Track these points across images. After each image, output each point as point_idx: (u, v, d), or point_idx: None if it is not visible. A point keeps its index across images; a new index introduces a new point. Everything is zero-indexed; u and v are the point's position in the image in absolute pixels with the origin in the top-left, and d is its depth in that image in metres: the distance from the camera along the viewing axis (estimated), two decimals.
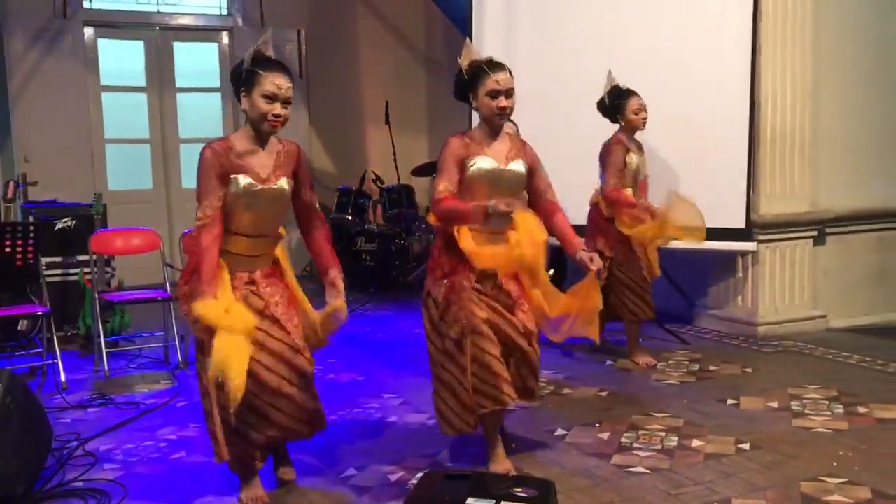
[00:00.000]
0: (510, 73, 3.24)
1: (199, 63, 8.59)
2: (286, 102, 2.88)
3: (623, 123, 4.77)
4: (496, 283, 3.22)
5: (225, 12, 8.61)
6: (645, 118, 4.74)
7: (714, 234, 5.28)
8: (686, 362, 4.85)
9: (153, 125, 8.37)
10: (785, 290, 5.54)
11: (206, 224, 2.85)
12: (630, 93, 4.74)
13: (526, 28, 6.03)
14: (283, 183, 2.97)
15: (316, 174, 8.84)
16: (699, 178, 5.24)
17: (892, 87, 5.95)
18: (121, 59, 8.25)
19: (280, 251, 3.13)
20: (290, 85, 2.90)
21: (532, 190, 3.37)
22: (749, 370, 4.66)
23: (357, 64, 9.00)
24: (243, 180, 2.88)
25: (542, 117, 5.64)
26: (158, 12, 8.31)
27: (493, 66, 3.22)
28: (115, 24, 8.17)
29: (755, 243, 5.36)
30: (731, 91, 5.25)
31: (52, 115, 7.55)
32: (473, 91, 3.23)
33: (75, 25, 7.80)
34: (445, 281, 3.19)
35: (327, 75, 8.88)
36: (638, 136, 4.85)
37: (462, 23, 7.09)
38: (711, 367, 4.73)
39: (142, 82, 8.31)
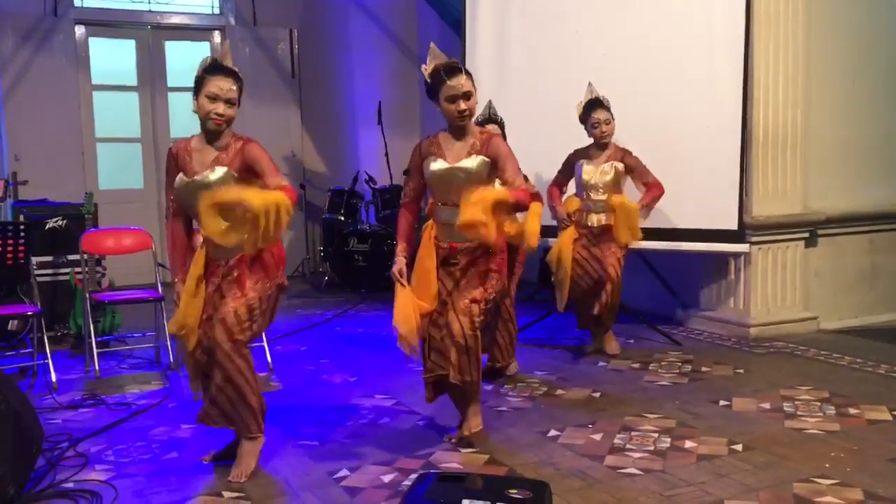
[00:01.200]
0: (468, 74, 3.37)
1: (190, 62, 8.47)
2: (229, 102, 3.16)
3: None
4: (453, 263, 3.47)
5: (217, 11, 8.59)
6: (604, 132, 4.82)
7: (706, 235, 5.31)
8: (678, 363, 4.86)
9: (144, 124, 8.35)
10: (777, 292, 5.56)
11: (168, 215, 3.35)
12: (592, 106, 4.82)
13: (518, 30, 6.03)
14: (213, 175, 3.17)
15: (308, 174, 8.84)
16: (691, 180, 5.26)
17: (883, 89, 5.99)
18: (112, 58, 8.23)
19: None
20: (232, 87, 3.17)
21: (502, 179, 3.44)
22: (741, 371, 4.68)
23: (349, 64, 8.98)
24: (186, 176, 3.23)
25: (533, 119, 5.65)
26: (150, 11, 8.29)
27: (450, 71, 3.34)
28: (107, 23, 8.14)
29: (747, 245, 5.37)
30: (723, 93, 5.26)
31: (42, 113, 7.53)
32: (435, 98, 3.40)
33: (66, 24, 7.77)
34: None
35: (319, 75, 8.87)
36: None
37: (455, 25, 7.10)
38: (704, 369, 4.74)
39: (133, 81, 8.29)
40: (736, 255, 5.47)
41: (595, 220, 4.91)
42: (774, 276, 5.55)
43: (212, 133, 3.22)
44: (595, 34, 5.62)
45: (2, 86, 7.41)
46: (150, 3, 8.30)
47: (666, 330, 5.52)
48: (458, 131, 3.43)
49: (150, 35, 8.30)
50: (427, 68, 3.40)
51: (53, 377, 4.57)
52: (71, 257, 5.58)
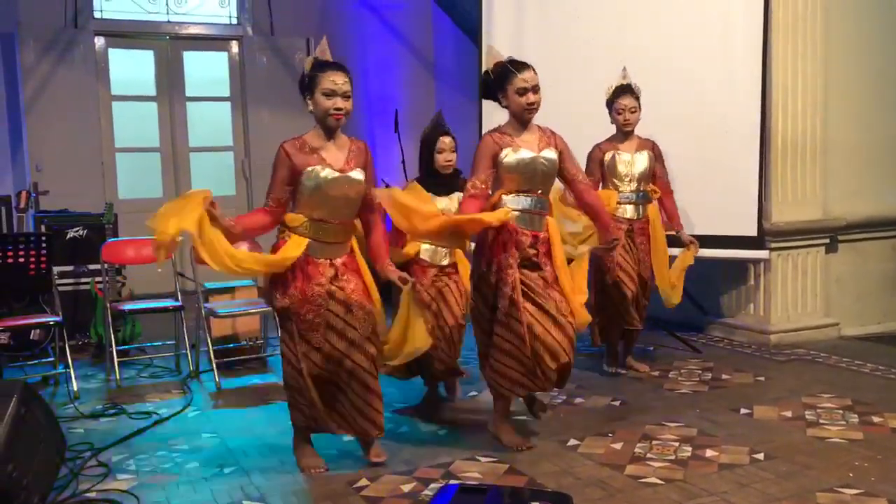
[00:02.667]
0: (534, 70, 3.49)
1: (208, 72, 8.63)
2: (345, 96, 3.21)
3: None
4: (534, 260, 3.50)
5: (234, 21, 8.64)
6: (627, 119, 4.67)
7: (726, 241, 5.28)
8: (698, 371, 4.83)
9: (163, 134, 8.41)
10: (797, 298, 5.51)
11: (267, 210, 3.27)
12: (620, 91, 4.69)
13: (534, 38, 6.02)
14: (357, 174, 3.29)
15: None
16: (711, 187, 5.23)
17: None
18: (131, 69, 8.29)
19: (356, 250, 3.42)
20: (346, 80, 3.23)
21: (564, 174, 3.64)
22: (762, 379, 4.64)
23: (365, 72, 9.01)
24: (321, 171, 3.20)
25: (551, 126, 5.63)
26: (168, 22, 8.35)
27: (520, 65, 3.48)
28: (126, 34, 8.21)
29: (767, 251, 5.34)
30: (742, 99, 5.24)
31: (63, 124, 7.59)
32: (502, 90, 3.49)
33: (86, 35, 7.84)
34: (493, 260, 3.47)
35: None
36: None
37: (471, 33, 7.11)
38: (724, 376, 4.70)
39: (152, 91, 8.35)
40: (756, 261, 5.44)
41: (632, 211, 4.74)
42: (795, 282, 5.51)
43: (331, 130, 3.28)
44: (612, 42, 5.61)
45: (23, 97, 7.48)
46: (168, 13, 8.36)
47: (685, 337, 5.49)
48: (525, 124, 3.55)
49: (169, 45, 8.36)
50: (488, 64, 3.54)
51: (75, 386, 4.61)
52: (91, 267, 5.63)
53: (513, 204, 3.50)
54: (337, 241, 3.32)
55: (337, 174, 3.25)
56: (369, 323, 3.30)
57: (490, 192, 3.54)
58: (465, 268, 4.08)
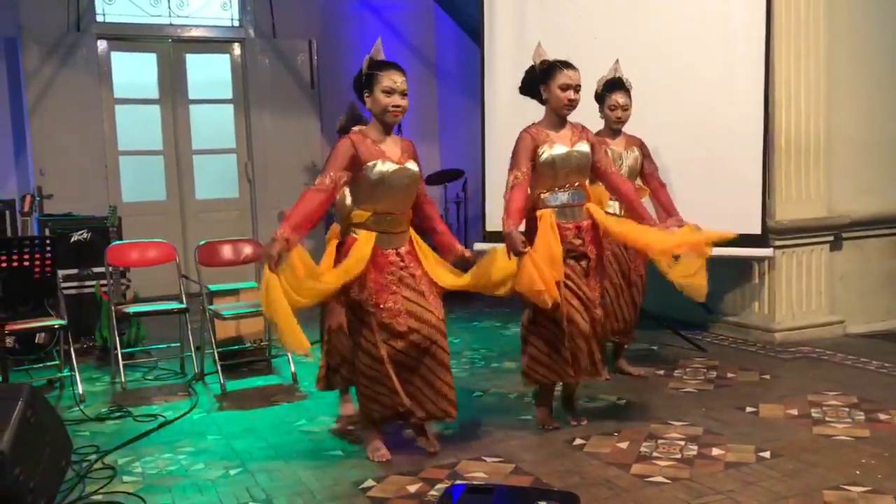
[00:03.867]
0: (579, 73, 3.72)
1: (211, 74, 8.64)
2: (403, 94, 3.37)
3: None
4: (581, 251, 3.71)
5: (237, 24, 8.65)
6: (619, 117, 4.59)
7: (730, 240, 5.25)
8: (703, 370, 4.83)
9: (166, 137, 8.41)
10: (802, 296, 5.51)
11: (320, 189, 3.31)
12: (613, 86, 4.59)
13: (536, 37, 5.96)
14: (412, 164, 3.46)
15: None
16: (714, 185, 5.22)
17: None
18: (134, 72, 8.30)
19: (413, 234, 3.55)
20: (404, 79, 3.38)
21: (597, 166, 3.81)
22: (767, 377, 4.63)
23: None
24: (381, 164, 3.35)
25: None
26: (171, 25, 8.36)
27: (567, 64, 3.72)
28: (128, 37, 8.23)
29: (771, 249, 5.33)
30: (746, 97, 5.23)
31: (66, 127, 7.61)
32: (545, 84, 3.72)
33: (89, 39, 7.85)
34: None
35: (339, 85, 8.89)
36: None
37: (473, 33, 7.11)
38: (729, 375, 4.70)
39: (155, 94, 8.36)
40: (760, 259, 5.43)
41: (619, 209, 4.59)
42: (799, 280, 5.50)
43: (388, 126, 3.44)
44: (614, 40, 5.59)
45: (27, 101, 7.49)
46: (170, 16, 8.37)
47: (690, 336, 5.48)
48: (561, 121, 3.76)
49: (171, 48, 8.37)
50: (536, 59, 3.77)
51: (80, 389, 4.62)
52: (96, 270, 5.64)
53: (552, 201, 3.72)
54: (401, 230, 3.48)
55: (396, 166, 3.40)
56: (440, 306, 3.46)
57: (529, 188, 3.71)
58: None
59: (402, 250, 3.46)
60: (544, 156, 3.68)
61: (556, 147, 3.70)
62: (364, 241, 3.38)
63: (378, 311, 3.36)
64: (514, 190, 3.66)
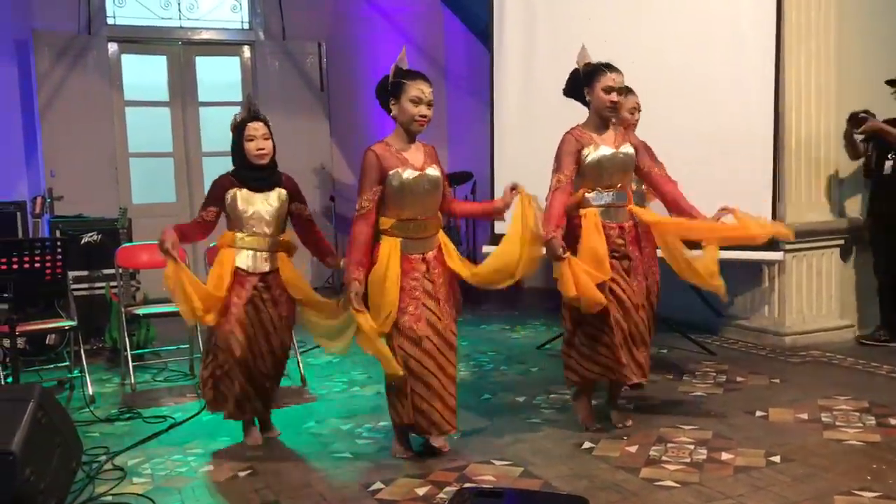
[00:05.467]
0: (623, 75, 3.72)
1: (221, 77, 8.67)
2: (429, 104, 3.43)
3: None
4: (624, 251, 3.71)
5: (246, 26, 8.68)
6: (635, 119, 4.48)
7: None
8: (713, 373, 4.81)
9: (176, 139, 8.45)
10: (812, 300, 5.48)
11: (363, 214, 3.39)
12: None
13: (545, 39, 6.02)
14: (433, 170, 3.48)
15: (337, 186, 8.89)
16: (724, 188, 5.18)
17: None
18: (144, 74, 8.34)
19: (442, 236, 3.57)
20: (431, 90, 3.44)
21: (641, 167, 3.84)
22: (777, 381, 4.62)
23: (377, 76, 9.00)
24: (403, 172, 3.37)
25: (561, 128, 5.61)
26: (181, 27, 8.40)
27: (610, 66, 3.72)
28: (139, 40, 8.26)
29: (782, 252, 5.31)
30: (755, 99, 5.21)
31: (77, 129, 7.64)
32: (589, 87, 3.72)
33: (99, 41, 7.89)
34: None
35: (348, 88, 8.92)
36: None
37: (481, 35, 7.11)
38: (739, 379, 4.68)
39: (165, 96, 8.39)
40: (770, 262, 5.41)
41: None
42: (810, 283, 5.48)
43: (412, 134, 3.48)
44: (623, 43, 5.57)
45: (38, 103, 7.53)
46: (181, 19, 8.41)
47: (699, 339, 5.46)
48: (604, 123, 3.76)
49: (181, 51, 8.40)
50: (580, 62, 3.77)
51: (90, 390, 4.63)
52: (106, 271, 5.66)
53: (596, 200, 3.72)
54: (427, 235, 3.49)
55: (417, 173, 3.42)
56: (453, 319, 3.51)
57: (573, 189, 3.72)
58: (288, 269, 3.78)
59: (430, 255, 3.48)
60: (589, 157, 3.68)
61: (601, 148, 3.70)
62: (387, 249, 3.41)
63: (401, 315, 3.38)
64: (556, 193, 3.66)
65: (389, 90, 3.45)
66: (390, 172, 3.38)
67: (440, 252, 3.53)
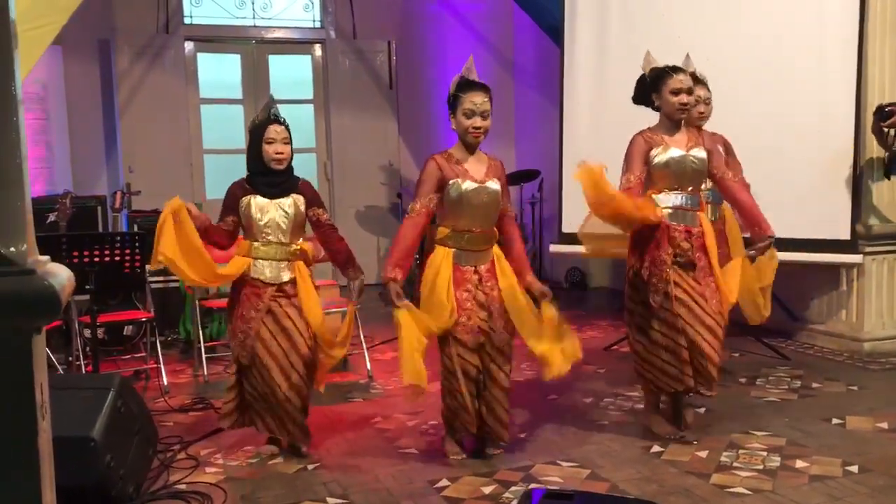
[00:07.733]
0: (688, 76, 3.69)
1: (293, 75, 8.80)
2: (484, 115, 3.40)
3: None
4: (689, 257, 3.63)
5: (318, 25, 8.79)
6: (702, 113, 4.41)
7: (817, 245, 5.10)
8: (787, 379, 4.69)
9: None
10: (893, 305, 5.29)
11: (413, 217, 3.41)
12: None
13: (618, 36, 5.94)
14: (493, 183, 3.46)
15: (405, 184, 8.94)
16: (803, 188, 5.08)
17: None
18: (218, 72, 8.52)
19: (496, 250, 3.55)
20: (486, 100, 3.41)
21: (713, 171, 3.76)
22: (855, 388, 4.47)
23: (446, 74, 9.04)
24: (462, 182, 3.39)
25: (634, 126, 5.54)
26: (255, 26, 8.56)
27: (676, 68, 3.67)
28: (214, 39, 8.45)
29: (860, 255, 5.14)
30: (836, 96, 5.06)
31: (154, 127, 7.86)
32: (657, 91, 3.67)
33: (177, 40, 8.10)
34: (646, 257, 3.62)
35: (416, 86, 8.97)
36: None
37: (552, 30, 7.05)
38: (814, 385, 4.55)
39: (238, 94, 8.57)
40: (848, 265, 5.24)
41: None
42: (890, 287, 5.28)
43: (471, 146, 3.47)
44: (699, 38, 5.46)
45: (118, 101, 7.78)
46: (254, 18, 8.57)
47: (773, 343, 5.32)
48: (675, 125, 3.71)
49: (255, 49, 8.56)
50: (645, 67, 3.72)
51: (165, 381, 4.76)
52: None
53: (664, 201, 3.66)
54: (480, 248, 3.49)
55: (476, 185, 3.42)
56: (508, 331, 3.47)
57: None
58: (306, 286, 3.63)
59: (482, 268, 3.48)
60: (658, 158, 3.63)
61: (671, 150, 3.64)
62: (440, 258, 3.43)
63: (454, 325, 3.39)
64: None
65: (450, 104, 3.47)
66: (450, 182, 3.40)
67: (494, 266, 3.52)
